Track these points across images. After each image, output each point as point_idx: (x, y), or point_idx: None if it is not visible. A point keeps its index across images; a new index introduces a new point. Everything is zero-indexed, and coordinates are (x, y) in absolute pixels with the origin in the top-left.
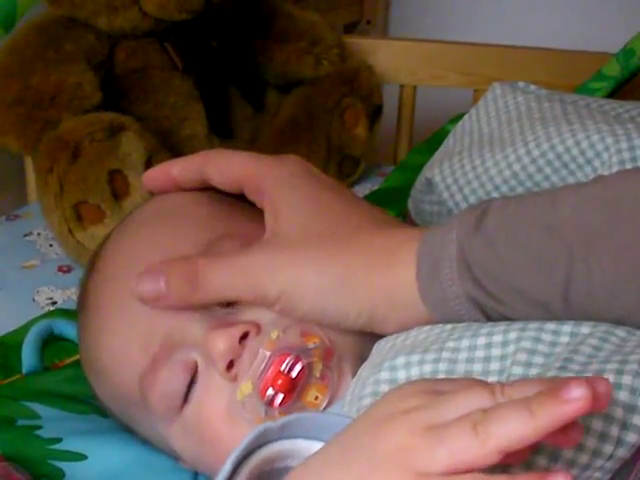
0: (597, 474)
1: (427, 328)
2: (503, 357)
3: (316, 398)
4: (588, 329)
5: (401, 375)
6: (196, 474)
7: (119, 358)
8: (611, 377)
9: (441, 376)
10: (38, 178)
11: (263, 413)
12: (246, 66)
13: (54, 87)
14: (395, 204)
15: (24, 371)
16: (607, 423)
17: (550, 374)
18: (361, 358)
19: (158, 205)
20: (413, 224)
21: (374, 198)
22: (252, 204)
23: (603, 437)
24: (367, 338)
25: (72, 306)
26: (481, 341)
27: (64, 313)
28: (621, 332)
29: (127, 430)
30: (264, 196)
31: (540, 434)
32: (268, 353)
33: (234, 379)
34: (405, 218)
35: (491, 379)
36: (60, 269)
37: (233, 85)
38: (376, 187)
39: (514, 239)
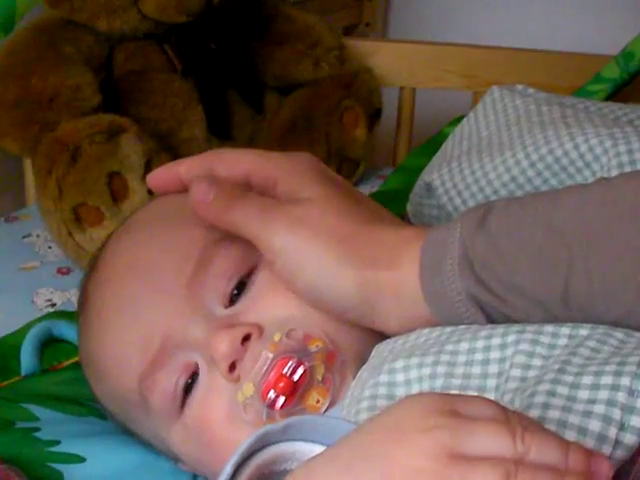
0: None
1: (426, 331)
2: (502, 360)
3: (317, 401)
4: (586, 331)
5: (400, 378)
6: (195, 476)
7: (119, 359)
8: (609, 378)
9: (439, 380)
10: (37, 180)
11: (264, 416)
12: (245, 68)
13: (53, 89)
14: (394, 206)
15: (23, 373)
16: (605, 424)
17: (548, 377)
18: (363, 362)
19: (158, 207)
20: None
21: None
22: None
23: (601, 438)
24: (369, 341)
25: (71, 308)
26: (480, 344)
27: (63, 315)
28: (619, 334)
29: (126, 432)
30: (277, 185)
31: None
32: (271, 355)
33: (236, 380)
34: (404, 221)
35: (490, 382)
36: (59, 271)
37: (232, 87)
38: (375, 189)
39: (516, 238)
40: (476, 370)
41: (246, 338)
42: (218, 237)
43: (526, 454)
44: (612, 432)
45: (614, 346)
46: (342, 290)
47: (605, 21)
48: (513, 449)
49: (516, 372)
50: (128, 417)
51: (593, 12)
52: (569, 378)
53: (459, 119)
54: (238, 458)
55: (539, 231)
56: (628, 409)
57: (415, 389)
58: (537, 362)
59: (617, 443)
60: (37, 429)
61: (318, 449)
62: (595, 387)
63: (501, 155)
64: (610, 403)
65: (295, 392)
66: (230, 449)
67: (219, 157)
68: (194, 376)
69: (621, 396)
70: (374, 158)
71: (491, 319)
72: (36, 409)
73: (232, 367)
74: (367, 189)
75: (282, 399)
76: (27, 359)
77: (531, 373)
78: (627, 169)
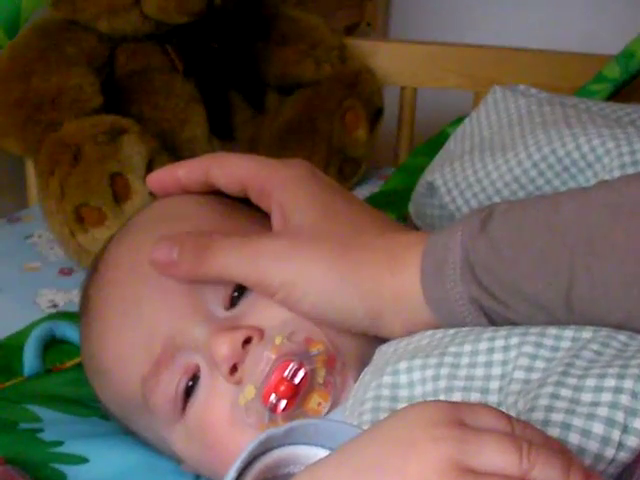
0: None
1: (430, 333)
2: (505, 362)
3: (319, 404)
4: (589, 334)
5: (403, 379)
6: (197, 477)
7: (121, 361)
8: (613, 381)
9: (442, 381)
10: (39, 181)
11: (266, 419)
12: (247, 68)
13: (55, 90)
14: (396, 206)
15: (26, 374)
16: (609, 427)
17: (552, 379)
18: (364, 364)
19: (160, 208)
20: (414, 227)
21: (375, 200)
22: (255, 209)
23: (605, 441)
24: (371, 344)
25: (73, 309)
26: (483, 346)
27: (66, 316)
28: (622, 337)
29: (129, 433)
30: (271, 197)
31: None
32: (272, 358)
33: (238, 383)
34: (406, 221)
35: (493, 384)
36: (61, 271)
37: (234, 87)
38: (377, 189)
39: (518, 242)
40: (479, 372)
41: (247, 341)
42: None
43: (530, 471)
44: (615, 434)
45: (617, 349)
46: (346, 307)
47: (606, 20)
48: (519, 466)
49: (519, 374)
50: (131, 418)
51: (594, 11)
52: (572, 381)
53: (460, 119)
54: (241, 463)
55: (540, 235)
56: (631, 411)
57: (418, 390)
58: (540, 364)
59: (620, 445)
60: (40, 430)
61: (321, 453)
62: (598, 390)
63: (503, 155)
64: (613, 406)
65: (296, 395)
66: (232, 451)
67: (217, 161)
68: (195, 378)
69: (624, 399)
70: (375, 158)
71: (493, 322)
72: (39, 410)
73: (233, 370)
74: (368, 189)
75: (283, 402)
76: (30, 360)
77: (534, 375)
78: (629, 170)
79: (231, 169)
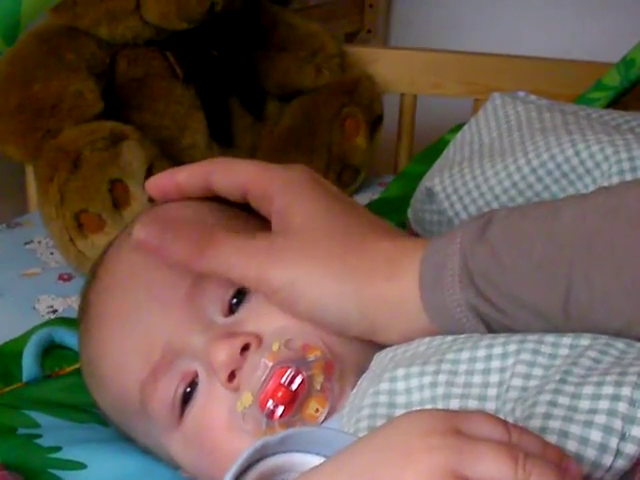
0: None
1: (427, 340)
2: (502, 369)
3: (316, 410)
4: (587, 341)
5: (400, 386)
6: None
7: (120, 367)
8: (610, 389)
9: (440, 388)
10: (39, 187)
11: (264, 425)
12: (247, 75)
13: (55, 96)
14: (395, 213)
15: (24, 379)
16: (606, 434)
17: (549, 387)
18: (362, 370)
19: (158, 215)
20: (413, 233)
21: (374, 207)
22: (255, 215)
23: (602, 448)
24: (368, 351)
25: (73, 314)
26: (481, 353)
27: (65, 321)
28: (620, 344)
29: (127, 439)
30: (271, 202)
31: None
32: (269, 365)
33: (236, 389)
34: (405, 227)
35: (490, 391)
36: (61, 277)
37: (234, 94)
38: (376, 196)
39: (516, 249)
40: (477, 379)
41: (245, 348)
42: None
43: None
44: (613, 442)
45: (615, 356)
46: (343, 310)
47: (606, 28)
48: (514, 477)
49: (517, 381)
50: (129, 425)
51: (594, 19)
52: (570, 388)
53: (460, 126)
54: (236, 471)
55: (539, 242)
56: (629, 419)
57: (416, 397)
58: (538, 372)
59: (618, 453)
60: (38, 435)
61: (316, 460)
62: (596, 397)
63: (502, 161)
64: (611, 413)
65: (294, 401)
66: (230, 458)
67: (217, 166)
68: (193, 384)
69: (622, 406)
70: (375, 165)
71: (491, 329)
72: (37, 415)
73: (231, 376)
74: (368, 196)
75: (281, 409)
76: (29, 365)
77: (532, 383)
78: (628, 176)
79: (232, 174)
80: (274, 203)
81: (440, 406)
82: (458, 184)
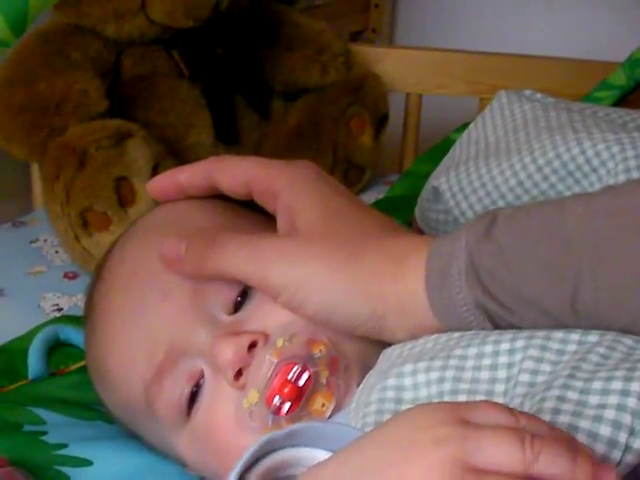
0: None
1: (435, 336)
2: (510, 365)
3: (323, 405)
4: (596, 337)
5: (408, 382)
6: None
7: (125, 367)
8: (619, 384)
9: (447, 384)
10: (44, 185)
11: (270, 422)
12: (252, 74)
13: (60, 94)
14: (401, 212)
15: (30, 377)
16: (615, 429)
17: (558, 382)
18: (367, 366)
19: (162, 214)
20: (420, 232)
21: (379, 206)
22: (259, 212)
23: (612, 443)
24: (373, 347)
25: (78, 312)
26: (488, 349)
27: (70, 319)
28: (629, 340)
29: (133, 436)
30: (277, 198)
31: None
32: (275, 362)
33: (242, 388)
34: (411, 226)
35: (498, 386)
36: (66, 275)
37: (239, 93)
38: (381, 196)
39: (522, 248)
40: (484, 375)
41: (252, 345)
42: None
43: (534, 462)
44: (622, 437)
45: (623, 352)
46: (350, 310)
47: (612, 28)
48: (522, 457)
49: (525, 377)
50: (136, 423)
51: (600, 19)
52: (579, 384)
53: (465, 126)
54: (242, 466)
55: (545, 241)
56: (638, 414)
57: (423, 393)
58: (546, 368)
59: (627, 448)
60: (44, 432)
61: (323, 455)
62: (605, 392)
63: (508, 159)
64: (620, 408)
65: (300, 397)
66: (237, 455)
67: (220, 165)
68: (200, 383)
69: (631, 401)
70: (380, 164)
71: (498, 327)
72: (43, 413)
73: (238, 374)
74: (373, 195)
75: (287, 405)
76: (34, 363)
77: (540, 378)
78: (634, 174)
79: (235, 171)
80: (279, 200)
81: (447, 401)
82: (464, 183)
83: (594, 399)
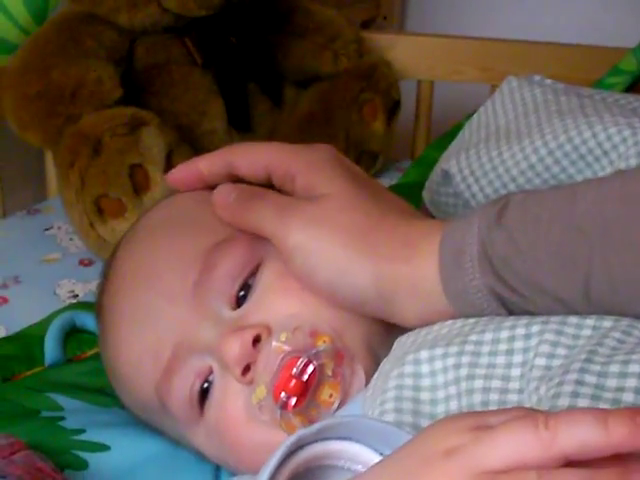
0: None
1: (449, 322)
2: (526, 350)
3: (330, 396)
4: (610, 323)
5: (425, 369)
6: (218, 466)
7: (135, 368)
8: (637, 367)
9: (464, 370)
10: (59, 172)
11: (279, 416)
12: (265, 61)
13: (75, 82)
14: (413, 199)
15: (47, 363)
16: None
17: (575, 366)
18: (373, 354)
19: (164, 212)
20: (429, 215)
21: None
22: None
23: None
24: (379, 332)
25: (93, 299)
26: (504, 334)
27: (86, 306)
28: None
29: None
30: (295, 180)
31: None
32: (279, 356)
33: (250, 383)
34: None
35: (514, 371)
36: (81, 262)
37: (252, 80)
38: (394, 182)
39: (534, 235)
40: (500, 360)
41: (257, 340)
42: (221, 239)
43: (554, 439)
44: None
45: (639, 337)
46: (359, 285)
47: (623, 13)
48: (536, 438)
49: (540, 361)
50: (153, 420)
51: (610, 4)
52: (596, 367)
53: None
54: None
55: (557, 227)
56: None
57: (440, 379)
58: (561, 352)
59: None
60: (62, 418)
61: (350, 447)
62: (623, 375)
63: (519, 143)
64: (638, 391)
65: (306, 391)
66: (250, 449)
67: (239, 151)
68: (210, 379)
69: None
70: (392, 151)
71: (512, 314)
72: (61, 399)
73: (245, 370)
74: (386, 182)
75: (294, 399)
76: (51, 349)
77: (555, 362)
78: None
79: (254, 157)
80: (297, 180)
81: (464, 386)
82: (475, 166)
83: (612, 382)
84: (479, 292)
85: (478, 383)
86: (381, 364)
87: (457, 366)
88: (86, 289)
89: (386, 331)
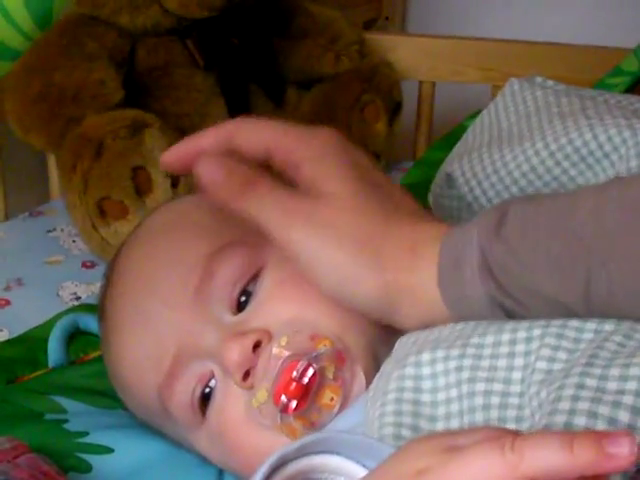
0: None
1: (451, 325)
2: (527, 353)
3: (331, 399)
4: (612, 326)
5: (426, 371)
6: (221, 470)
7: (137, 373)
8: (637, 370)
9: (465, 372)
10: (62, 175)
11: (279, 419)
12: (267, 63)
13: (77, 84)
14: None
15: (50, 365)
16: (634, 415)
17: (576, 370)
18: (374, 357)
19: (165, 217)
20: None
21: None
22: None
23: (631, 429)
24: (379, 335)
25: (96, 301)
26: (505, 337)
27: (89, 308)
28: None
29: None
30: (299, 170)
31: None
32: (279, 360)
33: (251, 387)
34: None
35: (515, 374)
36: (84, 264)
37: (254, 82)
38: (396, 183)
39: (534, 244)
40: (502, 363)
41: (257, 345)
42: (221, 244)
43: (520, 462)
44: None
45: None
46: (363, 293)
47: (624, 13)
48: (502, 460)
49: (541, 364)
50: (155, 422)
51: (612, 5)
52: (597, 371)
53: (478, 113)
54: None
55: (557, 237)
56: None
57: (441, 382)
58: (562, 355)
59: None
60: (65, 421)
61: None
62: (623, 378)
63: (521, 145)
64: (638, 394)
65: (307, 394)
66: (254, 453)
67: (239, 128)
68: (211, 384)
69: None
70: (394, 152)
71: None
72: (64, 401)
73: (246, 375)
74: None
75: (295, 402)
76: (54, 351)
77: (556, 366)
78: None
79: (255, 137)
80: (301, 172)
81: (465, 389)
82: (477, 169)
83: (613, 385)
84: (480, 300)
85: (480, 386)
86: (383, 365)
87: (459, 369)
88: (89, 291)
89: (387, 333)
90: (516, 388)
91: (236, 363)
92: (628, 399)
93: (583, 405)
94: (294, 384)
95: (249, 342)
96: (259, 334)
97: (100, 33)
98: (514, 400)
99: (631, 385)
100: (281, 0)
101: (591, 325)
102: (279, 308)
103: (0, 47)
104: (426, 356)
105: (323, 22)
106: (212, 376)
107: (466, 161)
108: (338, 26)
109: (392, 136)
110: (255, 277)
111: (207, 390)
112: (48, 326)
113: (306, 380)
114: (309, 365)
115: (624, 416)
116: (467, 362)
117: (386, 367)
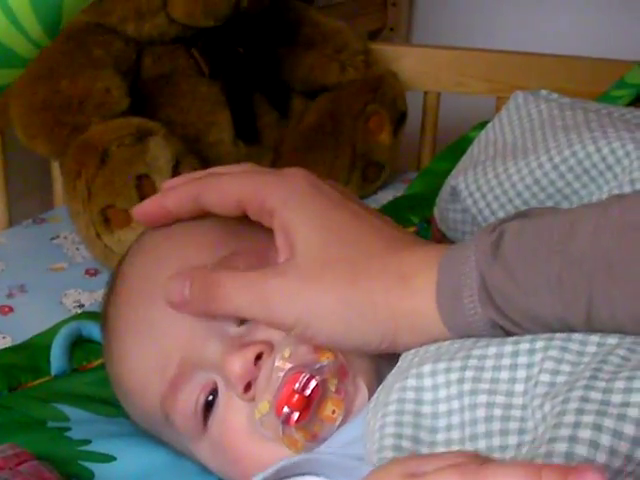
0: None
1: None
2: (530, 365)
3: (333, 412)
4: (615, 340)
5: (427, 382)
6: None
7: (140, 382)
8: None
9: (467, 384)
10: (66, 182)
11: (281, 431)
12: (272, 72)
13: (82, 92)
14: (418, 210)
15: (53, 373)
16: (639, 427)
17: (580, 383)
18: (376, 371)
19: (168, 225)
20: (439, 232)
21: (398, 204)
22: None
23: (636, 441)
24: (384, 358)
25: (99, 309)
26: (507, 349)
27: (92, 316)
28: None
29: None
30: (272, 216)
31: None
32: (282, 372)
33: (252, 399)
34: (429, 224)
35: (518, 386)
36: (87, 272)
37: (259, 91)
38: (400, 193)
39: (533, 268)
40: (504, 375)
41: (258, 357)
42: (228, 253)
43: None
44: None
45: None
46: (362, 337)
47: (629, 26)
48: None
49: (545, 377)
50: (159, 432)
51: (617, 17)
52: (601, 384)
53: (483, 124)
54: None
55: (556, 260)
56: None
57: (442, 394)
58: (566, 368)
59: None
60: (68, 429)
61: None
62: (628, 391)
63: (525, 158)
64: None
65: (309, 406)
66: (255, 464)
67: (207, 186)
68: (214, 394)
69: None
70: (399, 162)
71: None
72: (67, 409)
73: (247, 387)
74: (392, 193)
75: (297, 414)
76: (57, 359)
77: (560, 379)
78: None
79: (224, 192)
80: (275, 219)
81: (467, 401)
82: (481, 182)
83: (617, 398)
84: (480, 321)
85: (482, 398)
86: (386, 378)
87: (460, 381)
88: (92, 299)
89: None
90: (518, 400)
91: (238, 375)
92: (633, 412)
93: (588, 418)
94: (296, 396)
95: (251, 354)
96: (261, 346)
97: (106, 41)
98: (516, 412)
99: (636, 398)
100: (287, 10)
101: (594, 338)
102: None
103: (9, 55)
104: (427, 368)
105: (328, 32)
106: (215, 387)
107: (471, 174)
108: (343, 36)
109: (397, 146)
110: None
111: (210, 399)
112: (51, 333)
113: (308, 392)
114: (312, 377)
115: (629, 429)
116: (469, 374)
117: (388, 379)
